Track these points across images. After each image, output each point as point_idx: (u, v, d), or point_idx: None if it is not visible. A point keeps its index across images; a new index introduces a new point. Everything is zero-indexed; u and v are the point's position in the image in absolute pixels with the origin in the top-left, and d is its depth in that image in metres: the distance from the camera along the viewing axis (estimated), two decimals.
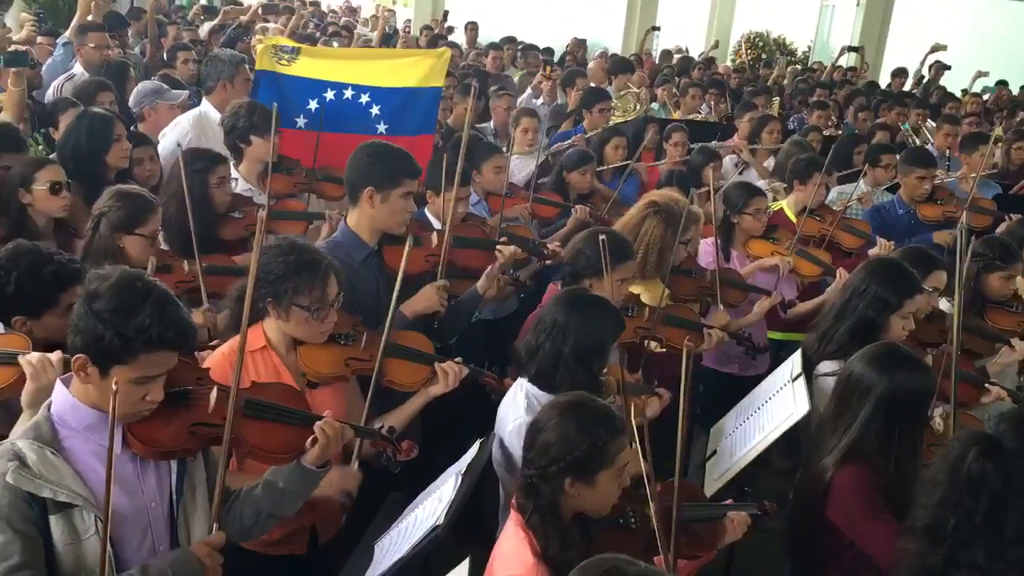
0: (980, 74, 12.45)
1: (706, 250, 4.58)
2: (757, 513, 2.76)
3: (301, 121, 4.98)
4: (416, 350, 3.16)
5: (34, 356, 2.48)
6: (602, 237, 3.48)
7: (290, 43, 5.25)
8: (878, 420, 2.77)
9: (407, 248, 3.09)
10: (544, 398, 2.98)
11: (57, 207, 3.77)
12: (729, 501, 2.88)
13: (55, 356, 2.46)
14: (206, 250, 3.72)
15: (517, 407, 3.02)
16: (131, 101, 5.60)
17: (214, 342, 3.13)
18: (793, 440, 3.14)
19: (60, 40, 6.82)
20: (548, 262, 4.40)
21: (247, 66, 5.42)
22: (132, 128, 5.19)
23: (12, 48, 4.47)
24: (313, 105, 4.97)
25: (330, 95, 5.00)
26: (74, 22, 6.76)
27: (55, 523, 2.08)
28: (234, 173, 4.52)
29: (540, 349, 3.02)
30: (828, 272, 4.67)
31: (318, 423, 2.45)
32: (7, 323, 2.77)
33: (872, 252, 4.92)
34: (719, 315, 4.18)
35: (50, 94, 6.07)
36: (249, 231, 4.15)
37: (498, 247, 3.93)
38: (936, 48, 12.34)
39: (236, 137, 4.44)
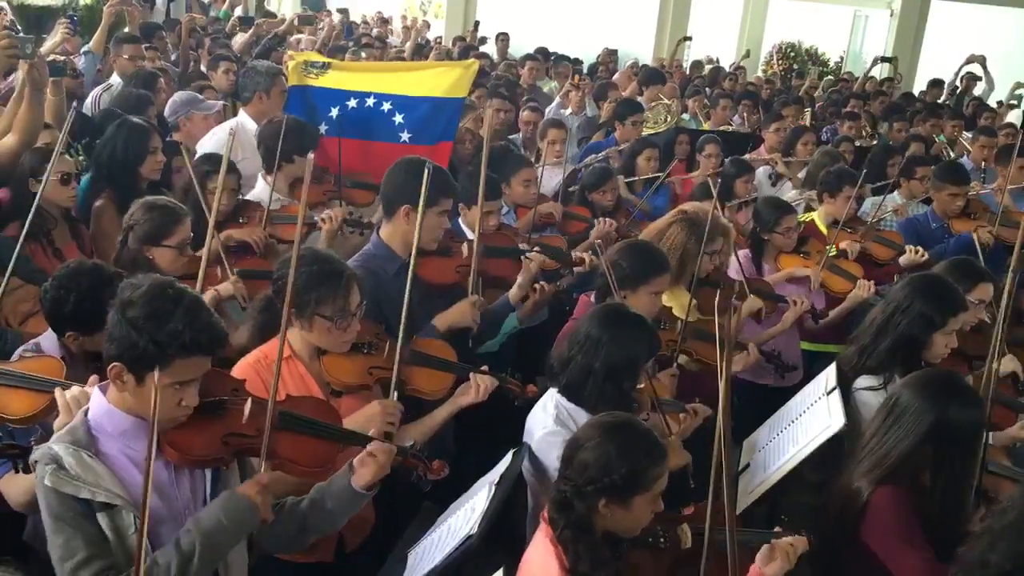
0: (1018, 85, 12.27)
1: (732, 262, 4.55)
2: None
3: (322, 128, 5.01)
4: (439, 358, 3.17)
5: (71, 393, 2.50)
6: (637, 246, 3.46)
7: (321, 58, 5.29)
8: (925, 450, 2.71)
9: (413, 253, 3.13)
10: (573, 410, 2.97)
11: (66, 197, 3.93)
12: (779, 529, 2.81)
13: (92, 390, 2.47)
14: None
15: (546, 417, 3.02)
16: (167, 111, 5.66)
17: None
18: (826, 453, 3.10)
19: (82, 49, 6.89)
20: (577, 270, 4.38)
21: (283, 78, 5.47)
22: (168, 138, 5.26)
23: (51, 57, 4.51)
24: (334, 112, 5.01)
25: (352, 103, 5.02)
26: (98, 33, 6.84)
27: (102, 520, 2.12)
28: (262, 183, 4.57)
29: (572, 361, 3.01)
30: None
31: (371, 446, 2.46)
32: (61, 333, 2.82)
33: (903, 259, 4.88)
34: (751, 301, 4.15)
35: (89, 104, 6.15)
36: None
37: (526, 255, 3.92)
38: (972, 59, 12.15)
39: (279, 155, 4.42)
